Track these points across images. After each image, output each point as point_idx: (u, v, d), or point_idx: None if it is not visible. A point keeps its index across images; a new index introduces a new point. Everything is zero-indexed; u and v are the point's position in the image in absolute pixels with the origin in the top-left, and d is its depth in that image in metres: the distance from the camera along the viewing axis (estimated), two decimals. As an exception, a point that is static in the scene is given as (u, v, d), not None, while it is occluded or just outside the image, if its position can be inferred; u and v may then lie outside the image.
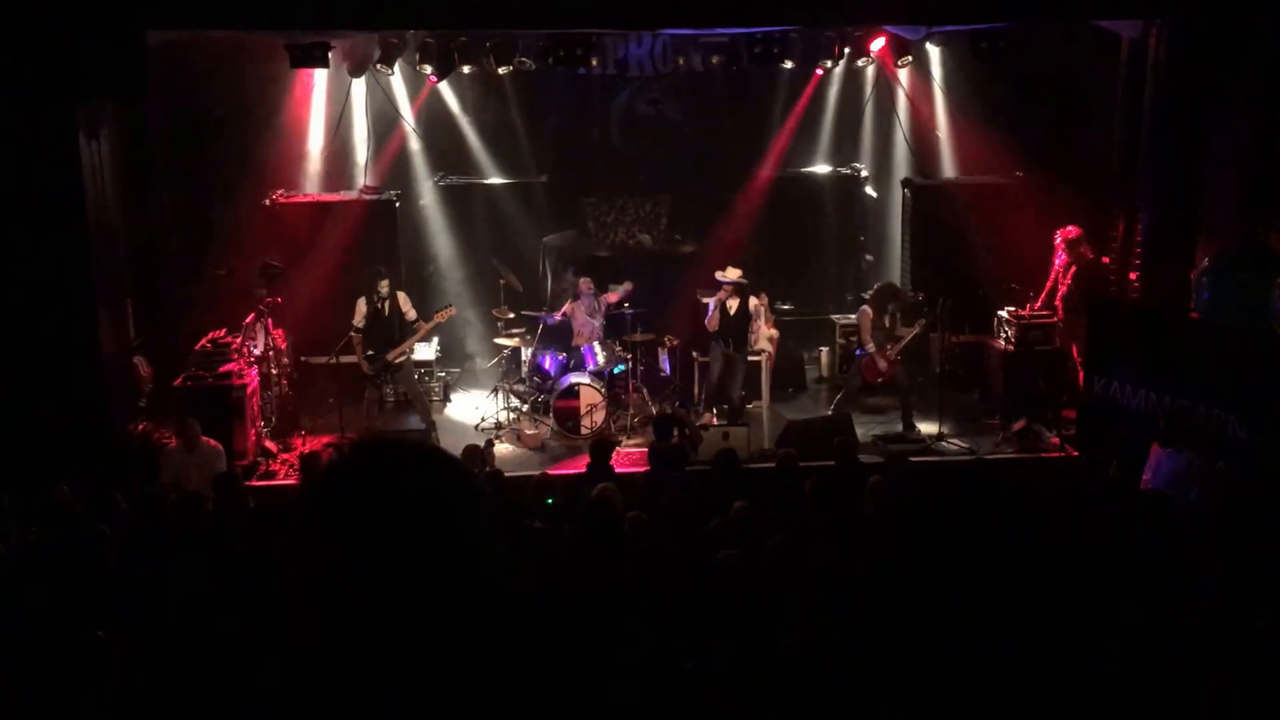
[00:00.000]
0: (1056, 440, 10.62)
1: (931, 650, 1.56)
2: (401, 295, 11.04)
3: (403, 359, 11.01)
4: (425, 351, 12.22)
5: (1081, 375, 10.86)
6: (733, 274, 11.20)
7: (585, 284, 11.89)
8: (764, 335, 11.34)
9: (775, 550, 6.79)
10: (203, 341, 10.66)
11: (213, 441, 9.34)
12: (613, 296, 11.78)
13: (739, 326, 11.21)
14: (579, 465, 9.47)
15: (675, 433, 9.63)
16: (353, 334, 10.86)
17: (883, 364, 11.04)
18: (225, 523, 7.86)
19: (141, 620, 6.06)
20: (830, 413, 11.20)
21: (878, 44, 11.65)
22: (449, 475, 1.51)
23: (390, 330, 10.87)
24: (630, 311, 11.54)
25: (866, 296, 11.50)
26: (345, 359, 10.95)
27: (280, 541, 7.04)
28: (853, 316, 12.06)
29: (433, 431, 11.18)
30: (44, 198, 9.31)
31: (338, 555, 1.44)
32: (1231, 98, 10.14)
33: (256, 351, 11.02)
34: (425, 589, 1.43)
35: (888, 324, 11.17)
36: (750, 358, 11.56)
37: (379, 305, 10.83)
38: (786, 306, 13.23)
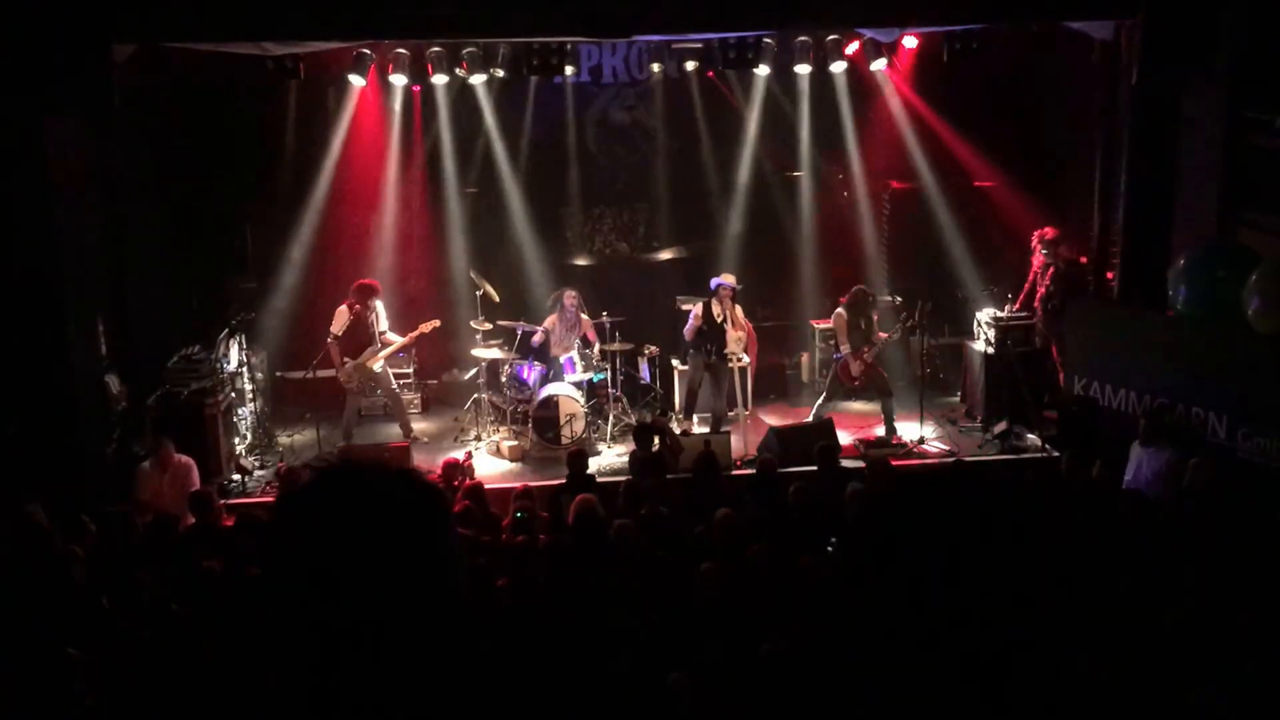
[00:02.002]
0: (1038, 441, 10.61)
1: (915, 654, 1.53)
2: (378, 304, 11.15)
3: (378, 365, 10.98)
4: (402, 364, 12.14)
5: (1061, 375, 10.89)
6: (730, 278, 11.14)
7: (570, 297, 11.62)
8: (731, 339, 11.21)
9: (759, 556, 6.75)
10: (175, 358, 10.54)
11: (185, 459, 9.23)
12: (591, 334, 11.58)
13: (724, 334, 11.11)
14: (559, 476, 9.39)
15: (656, 441, 9.57)
16: (330, 341, 10.87)
17: (856, 365, 11.02)
18: (201, 540, 7.77)
19: (115, 640, 5.97)
20: (811, 418, 11.18)
21: (851, 48, 11.67)
22: (415, 496, 1.55)
23: (366, 339, 11.02)
24: (609, 320, 11.47)
25: (842, 300, 11.47)
26: (322, 373, 10.88)
27: (256, 559, 6.95)
28: (831, 321, 12.02)
29: (412, 441, 11.12)
30: (13, 212, 9.18)
31: (306, 575, 1.47)
32: (1203, 95, 10.19)
33: (230, 368, 10.90)
34: (393, 604, 1.46)
35: (863, 326, 11.15)
36: (734, 364, 11.47)
37: (363, 315, 10.92)
38: (766, 312, 13.18)
